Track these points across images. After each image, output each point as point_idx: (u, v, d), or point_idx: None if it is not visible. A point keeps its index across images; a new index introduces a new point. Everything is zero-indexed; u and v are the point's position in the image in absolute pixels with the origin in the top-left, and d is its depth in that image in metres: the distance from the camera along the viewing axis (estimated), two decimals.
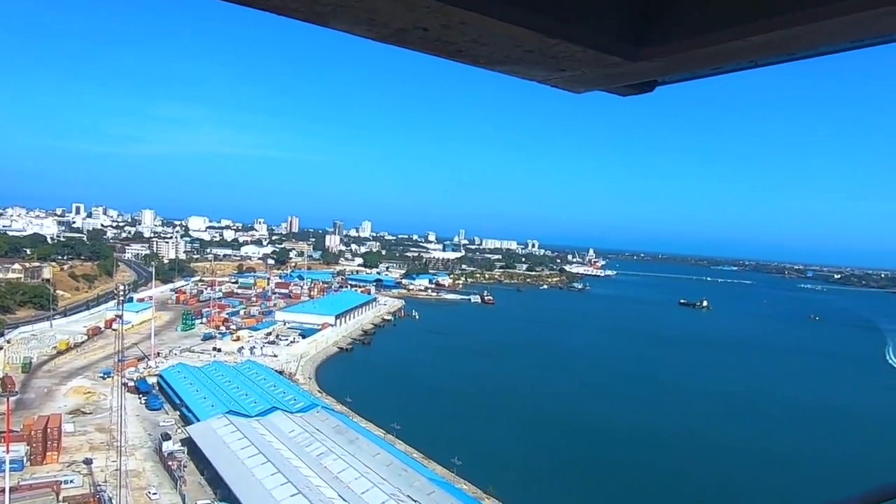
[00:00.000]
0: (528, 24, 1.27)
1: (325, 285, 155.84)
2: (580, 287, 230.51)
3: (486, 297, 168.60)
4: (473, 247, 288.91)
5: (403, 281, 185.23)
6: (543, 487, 48.31)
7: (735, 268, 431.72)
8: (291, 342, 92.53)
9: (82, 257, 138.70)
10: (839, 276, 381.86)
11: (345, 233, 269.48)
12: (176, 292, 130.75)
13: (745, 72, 1.64)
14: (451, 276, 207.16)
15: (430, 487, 42.67)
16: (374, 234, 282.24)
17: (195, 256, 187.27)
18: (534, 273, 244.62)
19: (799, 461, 57.86)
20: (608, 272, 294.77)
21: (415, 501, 40.40)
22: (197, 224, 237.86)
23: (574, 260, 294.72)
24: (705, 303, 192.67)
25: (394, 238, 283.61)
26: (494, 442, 58.24)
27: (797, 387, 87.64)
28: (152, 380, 66.76)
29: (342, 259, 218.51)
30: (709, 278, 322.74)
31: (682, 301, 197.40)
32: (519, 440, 59.71)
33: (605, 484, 51.09)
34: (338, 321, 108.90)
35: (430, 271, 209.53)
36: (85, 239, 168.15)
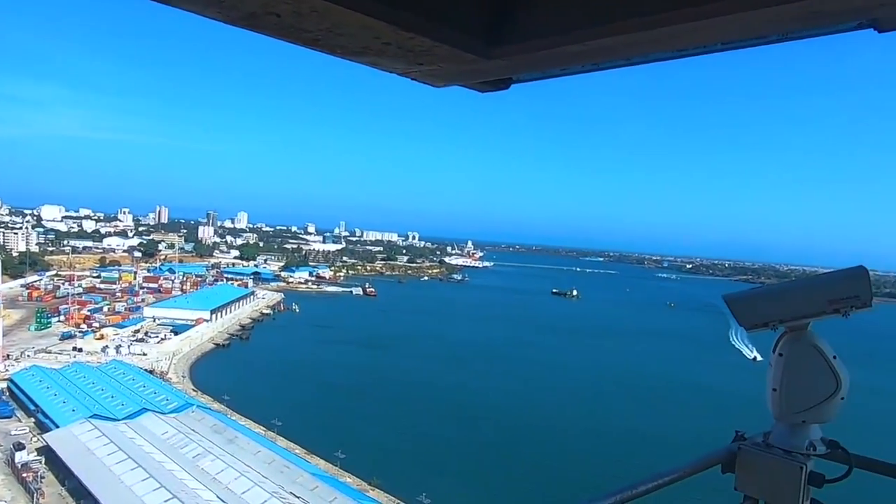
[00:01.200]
0: (383, 16, 1.28)
1: (199, 279, 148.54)
2: (460, 278, 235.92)
3: (367, 289, 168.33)
4: (354, 239, 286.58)
5: (283, 274, 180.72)
6: (428, 475, 49.34)
7: (601, 258, 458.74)
8: (162, 339, 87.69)
9: None
10: (691, 265, 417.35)
11: (219, 224, 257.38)
12: (28, 288, 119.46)
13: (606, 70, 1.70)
14: (332, 268, 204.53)
15: (313, 483, 42.39)
16: (251, 226, 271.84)
17: (50, 249, 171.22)
18: (415, 265, 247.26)
19: (654, 433, 63.26)
20: (486, 263, 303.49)
21: (298, 498, 40.09)
22: (51, 213, 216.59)
23: (453, 252, 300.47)
24: (575, 292, 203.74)
25: (272, 229, 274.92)
26: (380, 433, 58.75)
27: (655, 366, 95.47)
28: (1, 385, 60.91)
29: (217, 251, 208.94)
30: (578, 269, 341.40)
31: (554, 290, 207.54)
32: (405, 430, 60.67)
33: (488, 466, 53.10)
34: (213, 316, 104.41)
35: (311, 264, 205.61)
36: None
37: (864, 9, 1.25)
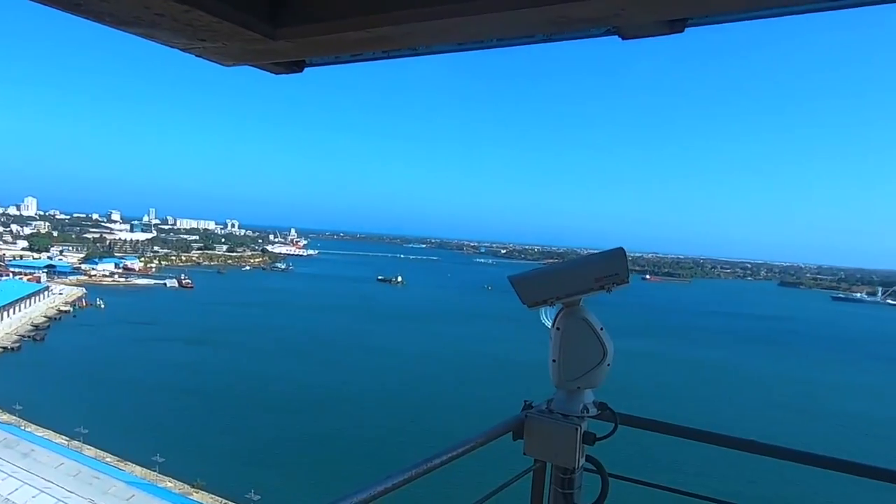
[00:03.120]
0: None
1: None
2: (284, 267, 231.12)
3: (183, 281, 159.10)
4: (167, 227, 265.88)
5: (84, 266, 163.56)
6: (257, 470, 48.75)
7: (423, 245, 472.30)
8: None
9: None
10: (505, 251, 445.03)
11: (1, 211, 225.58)
12: None
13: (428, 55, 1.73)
14: (143, 259, 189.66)
15: (128, 491, 39.90)
16: (42, 213, 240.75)
17: None
18: (235, 254, 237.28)
19: (476, 408, 68.41)
20: (311, 251, 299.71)
21: None
22: None
23: (276, 240, 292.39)
24: (400, 278, 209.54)
25: (68, 217, 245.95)
26: (204, 433, 56.81)
27: (477, 345, 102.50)
28: None
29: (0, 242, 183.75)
30: (401, 255, 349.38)
31: (379, 277, 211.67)
32: (232, 427, 59.41)
33: (316, 454, 53.98)
34: None
35: (117, 254, 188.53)
36: None
37: (603, 17, 1.33)
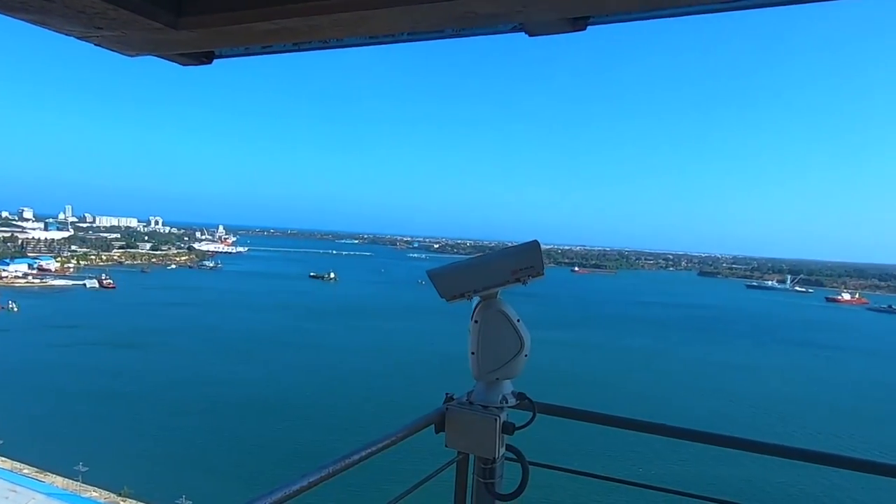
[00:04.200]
0: None
1: None
2: (212, 265, 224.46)
3: (105, 281, 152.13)
4: (85, 225, 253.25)
5: None
6: (188, 475, 47.48)
7: (356, 241, 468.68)
8: None
9: None
10: (438, 245, 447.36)
11: None
12: None
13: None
14: (59, 258, 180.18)
15: (49, 503, 39.04)
16: None
17: None
18: (160, 252, 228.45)
19: (408, 403, 69.78)
20: (240, 248, 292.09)
21: None
22: None
23: (204, 237, 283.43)
24: (332, 274, 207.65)
25: None
26: (131, 439, 54.60)
27: (410, 341, 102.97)
28: None
29: None
30: (334, 251, 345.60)
31: (311, 274, 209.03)
32: (161, 432, 57.58)
33: (249, 456, 53.25)
34: None
35: (30, 254, 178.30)
36: None
37: (507, 14, 1.37)
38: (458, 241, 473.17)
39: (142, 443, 54.50)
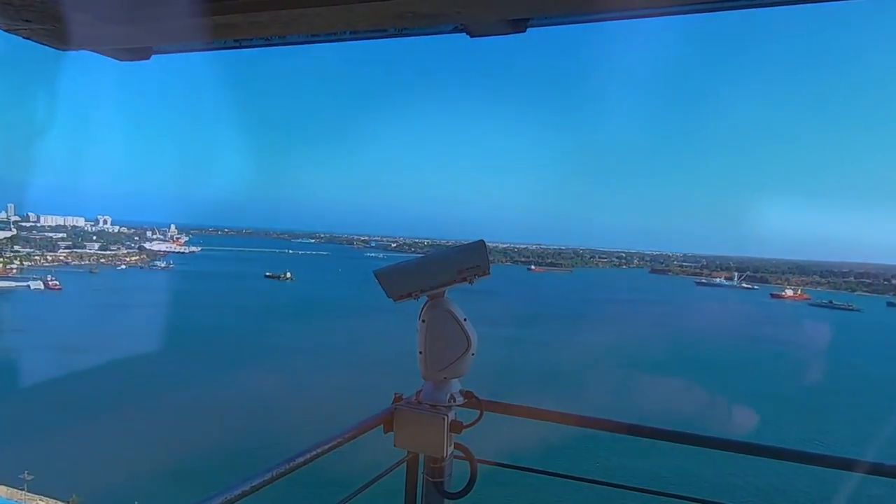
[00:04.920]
0: None
1: None
2: (164, 265, 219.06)
3: (50, 282, 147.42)
4: (28, 224, 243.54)
5: None
6: (141, 480, 46.39)
7: (313, 240, 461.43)
8: None
9: None
10: (395, 244, 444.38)
11: None
12: None
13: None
14: (1, 259, 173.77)
15: None
16: None
17: None
18: (109, 252, 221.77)
19: (370, 403, 69.99)
20: (193, 248, 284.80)
21: None
22: None
23: (154, 237, 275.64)
24: (288, 274, 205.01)
25: None
26: (81, 445, 53.05)
27: (366, 340, 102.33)
28: None
29: None
30: (290, 251, 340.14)
31: (267, 273, 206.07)
32: (114, 436, 56.28)
33: (204, 459, 52.69)
34: None
35: None
36: None
37: (445, 14, 1.37)
38: (416, 240, 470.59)
39: (92, 449, 53.37)
